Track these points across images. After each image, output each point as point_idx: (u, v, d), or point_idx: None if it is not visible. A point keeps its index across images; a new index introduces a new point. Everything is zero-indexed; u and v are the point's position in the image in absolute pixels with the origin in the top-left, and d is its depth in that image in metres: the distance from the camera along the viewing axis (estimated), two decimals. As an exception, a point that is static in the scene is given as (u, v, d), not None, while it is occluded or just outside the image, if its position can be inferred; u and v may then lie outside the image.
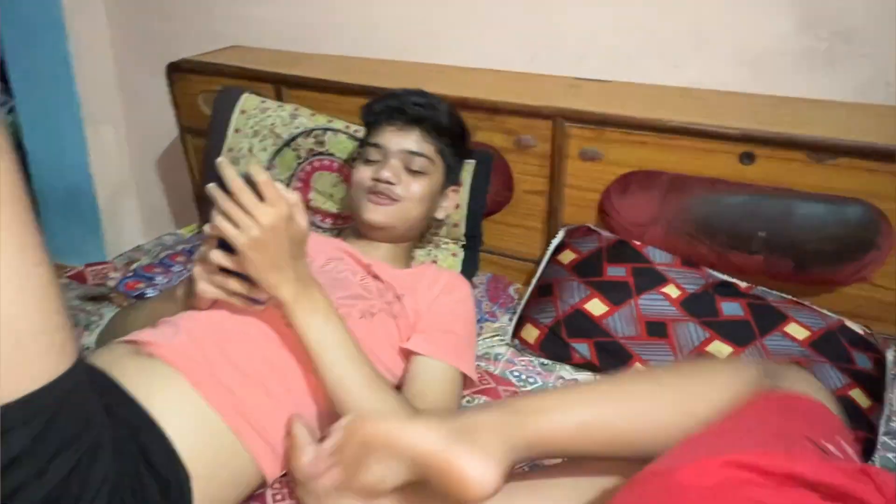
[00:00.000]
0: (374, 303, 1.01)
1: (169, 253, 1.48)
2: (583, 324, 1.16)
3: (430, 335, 1.00)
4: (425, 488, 0.62)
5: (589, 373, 1.14)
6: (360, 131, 1.38)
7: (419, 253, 1.35)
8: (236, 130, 1.51)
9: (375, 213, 1.10)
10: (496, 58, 1.54)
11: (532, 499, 0.69)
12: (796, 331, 1.09)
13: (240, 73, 1.60)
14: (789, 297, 1.16)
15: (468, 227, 1.34)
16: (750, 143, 1.16)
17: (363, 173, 1.14)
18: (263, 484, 0.83)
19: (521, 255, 1.44)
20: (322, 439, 0.72)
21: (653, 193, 1.22)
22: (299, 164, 1.43)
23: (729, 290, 1.16)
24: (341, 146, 1.40)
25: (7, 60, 1.92)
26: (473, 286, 1.35)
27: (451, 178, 1.21)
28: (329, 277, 1.02)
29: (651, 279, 1.17)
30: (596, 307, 1.16)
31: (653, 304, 1.15)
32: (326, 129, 1.42)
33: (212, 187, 0.77)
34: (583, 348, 1.14)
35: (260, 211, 0.75)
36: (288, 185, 1.44)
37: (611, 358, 1.12)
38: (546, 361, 1.18)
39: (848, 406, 0.98)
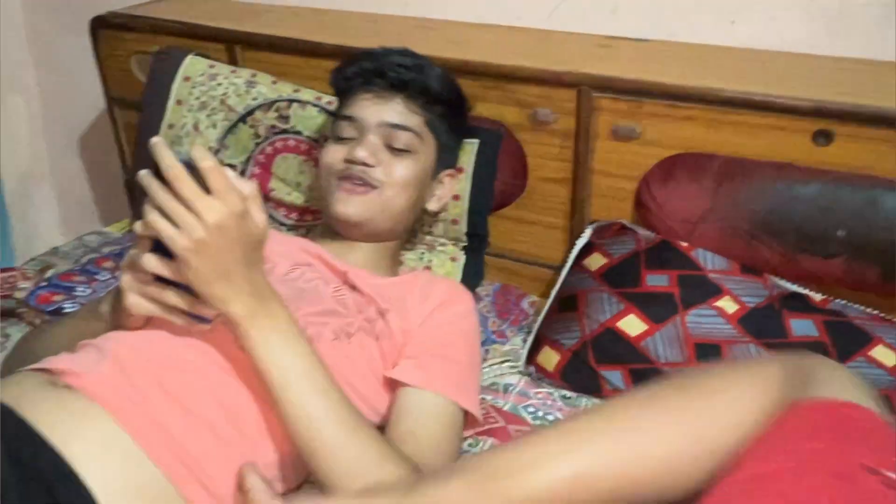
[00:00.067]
0: (352, 320, 1.01)
1: (93, 257, 1.48)
2: (615, 346, 1.16)
3: (421, 361, 1.00)
4: None
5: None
6: (335, 103, 1.38)
7: (409, 256, 1.35)
8: (178, 102, 1.51)
9: (348, 205, 1.10)
10: (506, 10, 1.53)
11: None
12: (885, 355, 1.09)
13: (183, 30, 1.59)
14: (876, 312, 1.16)
15: (470, 225, 1.34)
16: (826, 119, 1.16)
17: (333, 154, 1.14)
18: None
19: (537, 260, 1.44)
20: (284, 494, 0.72)
21: (703, 182, 1.22)
22: (258, 144, 1.43)
23: (800, 304, 1.16)
24: (310, 122, 1.40)
25: None
26: (477, 298, 1.35)
27: (446, 159, 1.20)
28: (294, 288, 1.02)
29: (701, 290, 1.17)
30: (632, 325, 1.16)
31: (704, 321, 1.14)
32: (292, 101, 1.42)
33: (144, 175, 0.77)
34: (615, 377, 1.14)
35: (205, 205, 0.75)
36: (243, 171, 1.44)
37: (650, 389, 1.11)
38: (569, 394, 1.17)
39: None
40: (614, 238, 1.28)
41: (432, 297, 1.09)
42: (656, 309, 1.16)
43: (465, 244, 1.36)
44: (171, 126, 1.51)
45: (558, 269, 1.36)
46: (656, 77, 1.25)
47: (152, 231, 0.77)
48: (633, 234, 1.27)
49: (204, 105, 1.48)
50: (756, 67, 1.31)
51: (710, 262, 1.20)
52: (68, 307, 1.31)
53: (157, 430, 0.79)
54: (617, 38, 1.44)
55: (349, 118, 1.14)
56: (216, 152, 1.46)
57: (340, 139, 1.15)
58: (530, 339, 1.26)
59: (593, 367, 1.16)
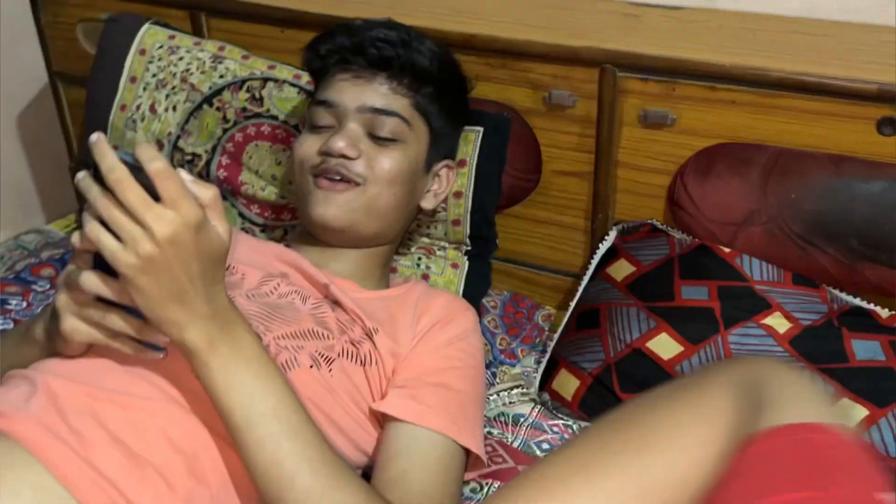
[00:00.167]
0: (333, 343, 1.00)
1: (30, 263, 1.47)
2: (644, 371, 1.15)
3: (414, 391, 0.99)
4: None
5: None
6: (316, 83, 1.37)
7: (403, 263, 1.34)
8: (132, 79, 1.49)
9: (328, 206, 1.09)
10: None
11: None
12: (963, 383, 1.09)
13: (138, -6, 1.58)
14: (952, 331, 1.15)
15: (474, 226, 1.32)
16: (894, 105, 1.15)
17: (307, 145, 1.13)
18: None
19: (552, 266, 1.43)
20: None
21: (748, 177, 1.21)
22: (226, 130, 1.42)
23: (863, 322, 1.15)
24: (288, 104, 1.39)
25: None
26: (483, 312, 1.36)
27: (442, 148, 1.20)
28: (265, 305, 1.01)
29: (747, 304, 1.17)
30: (664, 346, 1.16)
31: (749, 342, 1.14)
32: (266, 79, 1.41)
33: (83, 178, 0.75)
34: (644, 408, 1.14)
35: (153, 216, 0.73)
36: (209, 161, 1.42)
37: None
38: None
39: None
40: (643, 242, 1.28)
41: (429, 314, 1.08)
42: (693, 327, 1.16)
43: (469, 248, 1.35)
44: (123, 107, 1.50)
45: (578, 278, 1.36)
46: (692, 54, 1.24)
47: (91, 245, 0.75)
48: (665, 237, 1.27)
49: (162, 83, 1.47)
50: (810, 42, 1.29)
51: (756, 271, 1.20)
52: (-3, 326, 1.30)
53: (98, 480, 0.77)
54: (646, 6, 1.43)
55: (325, 103, 1.13)
56: (176, 139, 1.44)
57: (315, 128, 1.14)
58: (545, 360, 1.26)
59: (618, 396, 1.15)
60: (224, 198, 1.36)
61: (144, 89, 1.48)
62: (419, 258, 1.35)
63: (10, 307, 1.34)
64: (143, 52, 1.49)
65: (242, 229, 1.41)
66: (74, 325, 0.81)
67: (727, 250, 1.21)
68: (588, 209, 1.37)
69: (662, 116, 1.26)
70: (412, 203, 1.17)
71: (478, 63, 1.30)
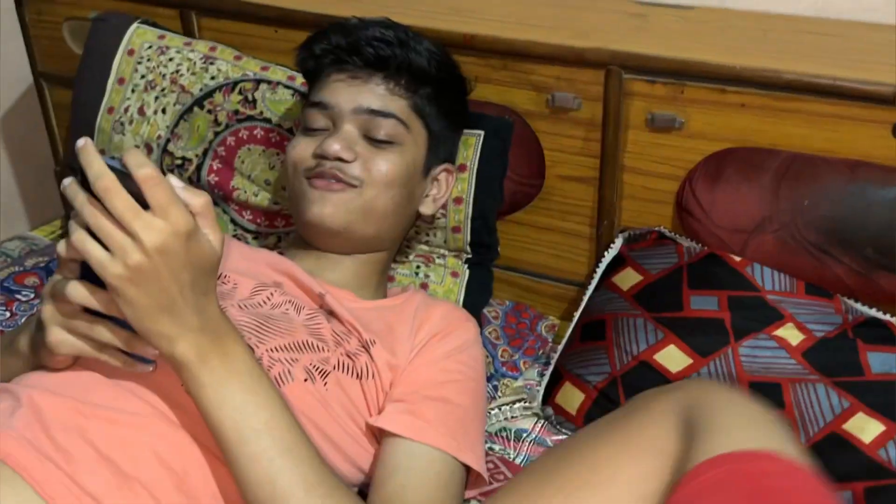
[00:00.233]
0: (328, 355, 1.00)
1: (14, 271, 1.46)
2: (652, 384, 1.11)
3: (413, 405, 0.99)
4: None
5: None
6: (310, 84, 1.37)
7: (401, 272, 1.34)
8: (120, 80, 1.50)
9: (321, 204, 1.09)
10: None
11: None
12: (983, 397, 1.08)
13: (127, -7, 1.58)
14: (971, 343, 1.15)
15: (475, 233, 1.33)
16: None
17: (301, 148, 1.13)
18: None
19: (556, 275, 1.43)
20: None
21: (760, 183, 1.21)
22: (218, 133, 1.42)
23: (879, 334, 1.15)
24: (281, 107, 1.39)
25: None
26: (484, 322, 1.36)
27: (440, 151, 1.20)
28: (258, 315, 1.01)
29: (758, 315, 1.16)
30: (672, 359, 1.16)
31: (761, 354, 1.14)
32: (259, 81, 1.41)
33: (69, 185, 0.74)
34: (652, 423, 1.14)
35: (142, 224, 0.73)
36: (200, 166, 1.42)
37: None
38: (595, 442, 1.17)
39: None
40: (650, 250, 1.28)
41: (427, 325, 1.08)
42: (702, 339, 1.16)
43: (469, 256, 1.36)
44: (111, 109, 1.50)
45: (582, 287, 1.36)
46: (701, 55, 1.24)
47: (78, 254, 0.75)
48: (673, 245, 1.26)
49: (152, 84, 1.47)
50: (823, 42, 1.29)
51: (768, 280, 1.19)
52: (-19, 334, 1.30)
53: (85, 499, 0.77)
54: (653, 6, 1.43)
55: (319, 104, 1.14)
56: (166, 143, 1.44)
57: (309, 130, 1.14)
58: (548, 372, 1.26)
59: (625, 410, 1.14)
60: (215, 204, 1.36)
61: (133, 91, 1.48)
62: (418, 266, 1.35)
63: (-8, 318, 1.34)
64: (131, 52, 1.50)
65: (234, 236, 1.41)
66: (60, 337, 0.80)
67: (738, 259, 1.21)
68: (593, 216, 1.37)
69: (670, 120, 1.26)
70: (410, 208, 1.17)
71: (478, 64, 1.30)
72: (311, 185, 1.10)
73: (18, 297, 1.39)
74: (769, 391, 1.10)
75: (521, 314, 1.43)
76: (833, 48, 1.27)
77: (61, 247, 0.77)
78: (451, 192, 1.25)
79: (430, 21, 1.26)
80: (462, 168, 1.28)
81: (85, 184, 0.73)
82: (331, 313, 1.06)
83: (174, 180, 0.75)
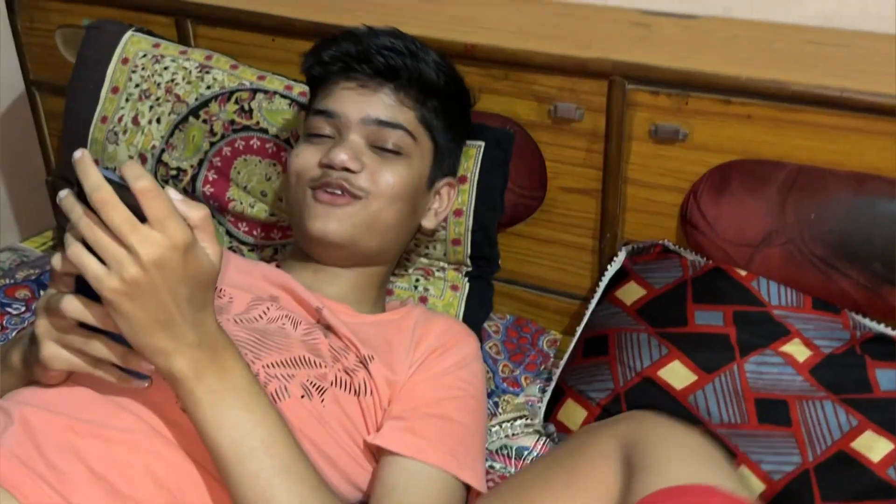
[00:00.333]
0: (326, 371, 1.00)
1: (5, 284, 1.46)
2: (656, 401, 1.15)
3: (412, 422, 0.99)
4: None
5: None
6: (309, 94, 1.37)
7: (400, 285, 1.34)
8: (114, 89, 1.50)
9: (328, 221, 1.09)
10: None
11: None
12: None
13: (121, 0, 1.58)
14: (982, 360, 1.15)
15: (475, 245, 1.33)
16: None
17: (306, 157, 1.13)
18: None
19: (558, 288, 1.43)
20: None
21: (766, 195, 1.21)
22: (213, 144, 1.42)
23: (887, 350, 1.15)
24: (279, 117, 1.40)
25: None
26: (485, 336, 1.36)
27: (444, 165, 1.20)
28: (254, 330, 1.01)
29: (764, 331, 1.17)
30: (677, 375, 1.16)
31: (767, 370, 1.14)
32: (255, 91, 1.41)
33: (65, 197, 0.75)
34: (656, 440, 1.14)
35: (139, 238, 0.73)
36: (195, 177, 1.43)
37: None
38: (598, 460, 1.17)
39: None
40: (654, 263, 1.28)
41: (427, 341, 1.08)
42: (707, 354, 1.16)
43: (469, 269, 1.36)
44: (104, 119, 1.50)
45: (585, 301, 1.36)
46: (705, 66, 1.24)
47: (73, 268, 0.75)
48: (677, 258, 1.27)
49: (146, 94, 1.47)
50: (830, 53, 1.30)
51: (774, 295, 1.20)
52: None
53: (78, 519, 0.77)
54: (657, 15, 1.44)
55: (325, 113, 1.14)
56: (160, 153, 1.45)
57: (313, 137, 1.14)
58: (550, 389, 1.26)
59: (628, 428, 1.14)
60: (211, 215, 1.36)
61: (127, 100, 1.48)
62: (417, 280, 1.35)
63: (-18, 332, 1.34)
64: (125, 60, 1.50)
65: (230, 248, 1.41)
66: (55, 352, 0.80)
67: (743, 273, 1.21)
68: (596, 228, 1.37)
69: (674, 131, 1.26)
70: (413, 221, 1.18)
71: (479, 74, 1.30)
72: (315, 198, 1.10)
73: (9, 310, 1.38)
74: (776, 408, 1.11)
75: (522, 329, 1.43)
76: (840, 59, 1.27)
77: (56, 260, 0.77)
78: (453, 204, 1.25)
79: (431, 31, 1.27)
80: (462, 179, 1.28)
81: (81, 196, 0.73)
82: (328, 328, 1.06)
83: (173, 193, 0.75)
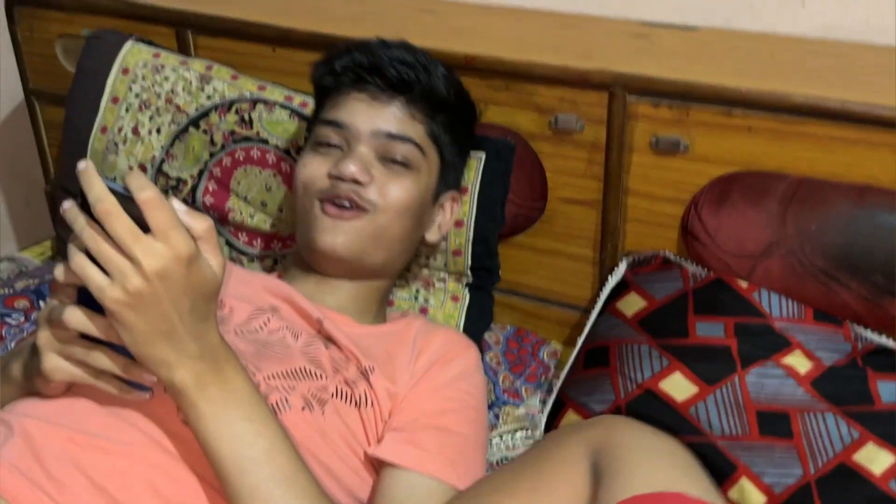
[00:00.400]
0: (326, 383, 1.00)
1: (3, 294, 1.46)
2: (657, 413, 1.14)
3: (412, 434, 1.00)
4: None
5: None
6: (310, 104, 1.38)
7: (400, 296, 1.34)
8: (114, 99, 1.50)
9: (334, 234, 1.10)
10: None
11: None
12: None
13: (121, 9, 1.59)
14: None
15: (476, 256, 1.33)
16: None
17: (314, 167, 1.13)
18: None
19: (558, 299, 1.44)
20: None
21: (766, 207, 1.22)
22: (213, 154, 1.43)
23: (889, 362, 1.15)
24: (280, 128, 1.40)
25: None
26: (485, 348, 1.36)
27: (450, 179, 1.21)
28: (254, 342, 1.01)
29: (765, 342, 1.17)
30: (678, 387, 1.16)
31: (768, 382, 1.14)
32: (256, 101, 1.42)
33: (69, 208, 0.75)
34: (657, 452, 1.14)
35: (143, 249, 0.73)
36: (195, 187, 1.43)
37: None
38: (599, 472, 1.17)
39: None
40: (655, 274, 1.28)
41: (428, 352, 1.09)
42: (708, 366, 1.16)
43: (470, 281, 1.36)
44: (104, 129, 1.50)
45: (585, 312, 1.36)
46: (706, 77, 1.24)
47: (76, 279, 0.76)
48: (678, 269, 1.27)
49: (146, 104, 1.48)
50: (831, 65, 1.30)
51: (775, 306, 1.20)
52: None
53: (78, 532, 0.77)
54: (657, 26, 1.44)
55: (335, 123, 1.14)
56: (160, 163, 1.45)
57: (321, 147, 1.14)
58: (550, 400, 1.25)
59: (629, 440, 1.15)
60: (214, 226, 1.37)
61: (127, 110, 1.49)
62: (417, 290, 1.35)
63: (-20, 343, 1.34)
64: (125, 70, 1.50)
65: (230, 259, 1.42)
66: (56, 364, 0.81)
67: (744, 284, 1.21)
68: (596, 239, 1.37)
69: (675, 143, 1.27)
70: (418, 235, 1.18)
71: (480, 85, 1.30)
72: (323, 211, 1.10)
73: (8, 320, 1.38)
74: (777, 420, 1.11)
75: (522, 339, 1.43)
76: (841, 71, 1.28)
77: (59, 271, 0.78)
78: (455, 217, 1.26)
79: (431, 42, 1.27)
80: (463, 190, 1.29)
81: (85, 207, 0.74)
82: (329, 339, 1.07)
83: (177, 204, 0.76)
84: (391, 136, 1.12)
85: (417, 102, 1.14)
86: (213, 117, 1.43)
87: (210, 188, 1.42)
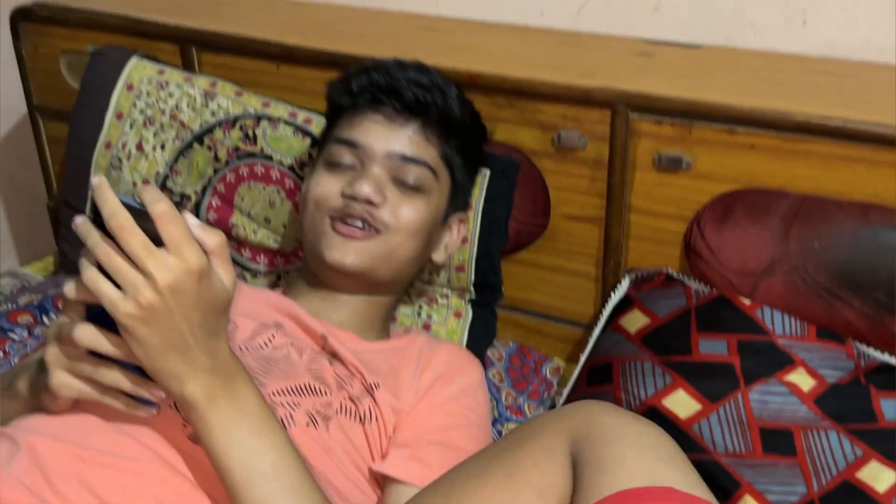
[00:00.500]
0: (331, 399, 1.00)
1: (6, 309, 1.46)
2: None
3: (417, 450, 1.00)
4: None
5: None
6: (314, 120, 1.39)
7: (403, 312, 1.35)
8: (118, 115, 1.51)
9: (346, 253, 1.10)
10: (523, 7, 1.54)
11: None
12: None
13: (126, 26, 1.60)
14: None
15: (479, 272, 1.34)
16: None
17: (326, 185, 1.14)
18: None
19: (561, 316, 1.44)
20: None
21: (769, 225, 1.22)
22: (217, 170, 1.43)
23: (892, 380, 1.15)
24: (284, 144, 1.41)
25: None
26: (488, 365, 1.36)
27: (459, 201, 1.21)
28: (259, 358, 1.02)
29: (768, 360, 1.17)
30: (681, 404, 1.16)
31: (772, 400, 1.14)
32: (260, 118, 1.43)
33: (82, 223, 0.76)
34: (660, 470, 1.14)
35: (156, 263, 0.74)
36: (199, 203, 1.44)
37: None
38: (602, 489, 1.17)
39: None
40: (658, 291, 1.28)
41: (431, 368, 1.09)
42: (711, 383, 1.16)
43: (473, 297, 1.36)
44: (108, 144, 1.51)
45: (588, 328, 1.36)
46: (709, 95, 1.25)
47: (87, 295, 0.76)
48: (681, 286, 1.27)
49: (150, 120, 1.48)
50: (833, 83, 1.31)
51: (778, 324, 1.20)
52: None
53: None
54: (660, 44, 1.45)
55: (350, 143, 1.14)
56: (164, 179, 1.46)
57: (334, 166, 1.15)
58: (553, 417, 1.25)
59: (633, 457, 1.15)
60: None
61: (131, 126, 1.50)
62: (420, 306, 1.36)
63: (-17, 359, 1.33)
64: (130, 87, 1.51)
65: (232, 275, 1.42)
66: (64, 380, 0.81)
67: (747, 302, 1.22)
68: (599, 256, 1.37)
69: (677, 160, 1.27)
70: (426, 255, 1.19)
71: (484, 103, 1.31)
72: (334, 227, 1.11)
73: (11, 335, 1.38)
74: (780, 438, 1.11)
75: (525, 356, 1.43)
76: (844, 89, 1.28)
77: (69, 288, 0.78)
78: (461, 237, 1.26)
79: (435, 59, 1.27)
80: (467, 207, 1.30)
81: (96, 222, 0.75)
82: (333, 355, 1.07)
83: (191, 218, 0.76)
84: (405, 159, 1.12)
85: (433, 125, 1.15)
86: (218, 133, 1.43)
87: (214, 204, 1.43)
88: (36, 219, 1.94)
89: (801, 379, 1.15)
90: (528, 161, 1.35)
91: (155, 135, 1.48)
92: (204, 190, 1.44)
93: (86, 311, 0.79)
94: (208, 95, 1.46)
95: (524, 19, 1.55)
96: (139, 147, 1.48)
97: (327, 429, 0.98)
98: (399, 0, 1.63)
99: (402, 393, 1.05)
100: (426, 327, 1.34)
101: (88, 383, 0.81)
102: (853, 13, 1.36)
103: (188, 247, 0.75)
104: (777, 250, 1.21)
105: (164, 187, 1.46)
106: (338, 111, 1.20)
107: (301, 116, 1.41)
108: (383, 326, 1.20)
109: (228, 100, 1.45)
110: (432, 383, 1.07)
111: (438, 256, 1.22)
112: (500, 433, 1.27)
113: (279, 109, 1.43)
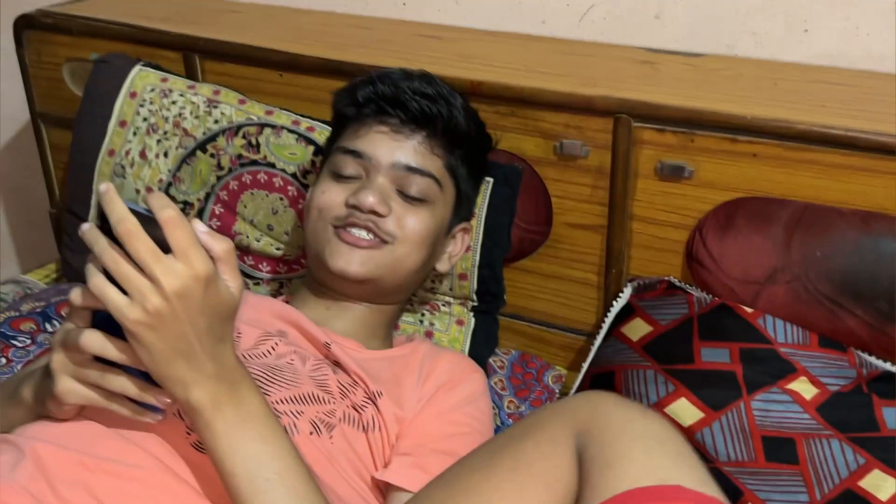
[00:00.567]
0: (334, 408, 1.01)
1: (9, 316, 1.46)
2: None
3: (419, 458, 1.00)
4: None
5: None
6: (317, 128, 1.39)
7: (406, 319, 1.35)
8: (121, 123, 1.51)
9: (349, 261, 1.11)
10: (526, 16, 1.55)
11: None
12: None
13: (129, 34, 1.60)
14: None
15: (481, 280, 1.34)
16: None
17: (332, 195, 1.14)
18: None
19: (563, 324, 1.44)
20: None
21: (771, 233, 1.22)
22: (220, 178, 1.44)
23: (894, 388, 1.15)
24: (286, 152, 1.41)
25: None
26: (490, 371, 1.36)
27: (463, 210, 1.22)
28: (262, 366, 1.02)
29: (771, 368, 1.17)
30: (683, 412, 1.16)
31: (774, 408, 1.14)
32: (263, 125, 1.43)
33: (89, 229, 0.76)
34: (663, 478, 1.14)
35: (163, 269, 0.74)
36: (202, 210, 1.44)
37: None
38: (604, 498, 1.17)
39: None
40: (660, 300, 1.29)
41: (434, 376, 1.09)
42: (714, 392, 1.16)
43: (475, 304, 1.37)
44: (111, 152, 1.51)
45: (590, 336, 1.36)
46: (711, 104, 1.25)
47: (94, 301, 0.76)
48: (683, 295, 1.27)
49: (154, 127, 1.49)
50: (835, 92, 1.31)
51: (780, 332, 1.20)
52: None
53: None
54: (662, 53, 1.45)
55: (355, 153, 1.15)
56: (167, 186, 1.47)
57: (340, 176, 1.15)
58: (556, 425, 1.25)
59: (635, 465, 1.15)
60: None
61: (135, 134, 1.50)
62: (423, 314, 1.36)
63: (-14, 367, 1.33)
64: (133, 94, 1.51)
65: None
66: (70, 387, 0.81)
67: (749, 310, 1.22)
68: (601, 264, 1.38)
69: (680, 169, 1.27)
70: (430, 265, 1.19)
71: (486, 111, 1.31)
72: (338, 236, 1.11)
73: (14, 342, 1.37)
74: (783, 446, 1.11)
75: (527, 364, 1.43)
76: (846, 98, 1.29)
77: (75, 295, 0.78)
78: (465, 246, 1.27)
79: (438, 68, 1.28)
80: (472, 216, 1.30)
81: (103, 228, 0.75)
82: (337, 363, 1.07)
83: (198, 224, 0.77)
84: (410, 169, 1.13)
85: (438, 136, 1.15)
86: (221, 141, 1.44)
87: (217, 211, 1.43)
88: (38, 226, 1.94)
89: (804, 387, 1.15)
90: (530, 169, 1.36)
91: (158, 142, 1.48)
92: (207, 197, 1.44)
93: (92, 317, 0.79)
94: (211, 103, 1.47)
95: (527, 28, 1.56)
96: (142, 155, 1.49)
97: (330, 437, 0.98)
98: (402, 9, 1.64)
99: (404, 401, 1.05)
100: (429, 335, 1.34)
101: (94, 389, 0.81)
102: (854, 22, 1.36)
103: (195, 253, 0.75)
104: (779, 259, 1.22)
105: (167, 195, 1.45)
106: (343, 121, 1.20)
107: (304, 124, 1.41)
108: (386, 335, 1.20)
109: (232, 108, 1.46)
110: (435, 392, 1.07)
111: (442, 266, 1.22)
112: (502, 441, 1.27)
113: (282, 117, 1.43)
